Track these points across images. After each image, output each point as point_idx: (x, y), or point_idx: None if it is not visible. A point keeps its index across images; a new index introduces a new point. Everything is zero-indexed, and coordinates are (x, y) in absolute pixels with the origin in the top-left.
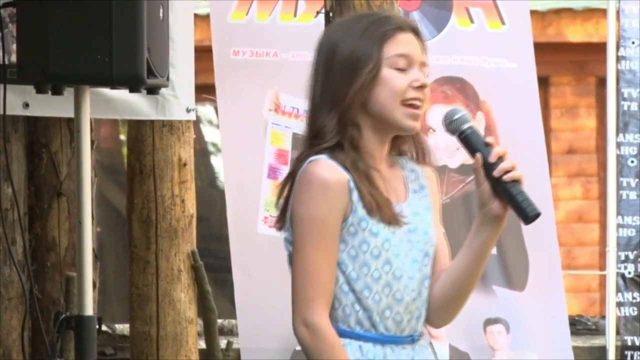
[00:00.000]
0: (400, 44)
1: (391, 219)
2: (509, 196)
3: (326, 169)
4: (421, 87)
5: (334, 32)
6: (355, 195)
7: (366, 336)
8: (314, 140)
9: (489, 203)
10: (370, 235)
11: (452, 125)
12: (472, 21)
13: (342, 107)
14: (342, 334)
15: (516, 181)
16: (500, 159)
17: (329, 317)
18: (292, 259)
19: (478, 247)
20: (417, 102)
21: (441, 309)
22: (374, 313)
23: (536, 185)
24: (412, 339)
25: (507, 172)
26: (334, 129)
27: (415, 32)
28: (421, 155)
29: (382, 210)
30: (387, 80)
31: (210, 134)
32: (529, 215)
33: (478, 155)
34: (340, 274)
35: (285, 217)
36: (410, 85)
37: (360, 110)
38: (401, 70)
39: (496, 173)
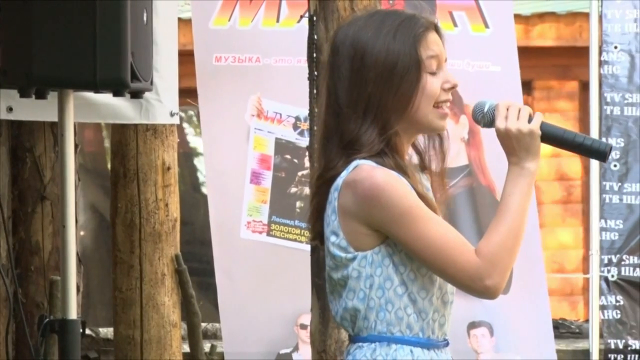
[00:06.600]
0: (431, 45)
1: None
2: (576, 145)
3: (383, 169)
4: (452, 88)
5: (358, 32)
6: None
7: (414, 340)
8: (349, 150)
9: None
10: None
11: (486, 118)
12: (455, 25)
13: (385, 115)
14: (394, 339)
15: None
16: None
17: (382, 322)
18: (417, 253)
19: None
20: (448, 103)
21: None
22: (427, 316)
23: None
24: (447, 343)
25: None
26: (375, 139)
27: (437, 28)
28: (441, 157)
29: (436, 213)
30: (426, 85)
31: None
32: (605, 150)
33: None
34: (397, 275)
35: (317, 228)
36: (442, 88)
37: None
38: (433, 72)
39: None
